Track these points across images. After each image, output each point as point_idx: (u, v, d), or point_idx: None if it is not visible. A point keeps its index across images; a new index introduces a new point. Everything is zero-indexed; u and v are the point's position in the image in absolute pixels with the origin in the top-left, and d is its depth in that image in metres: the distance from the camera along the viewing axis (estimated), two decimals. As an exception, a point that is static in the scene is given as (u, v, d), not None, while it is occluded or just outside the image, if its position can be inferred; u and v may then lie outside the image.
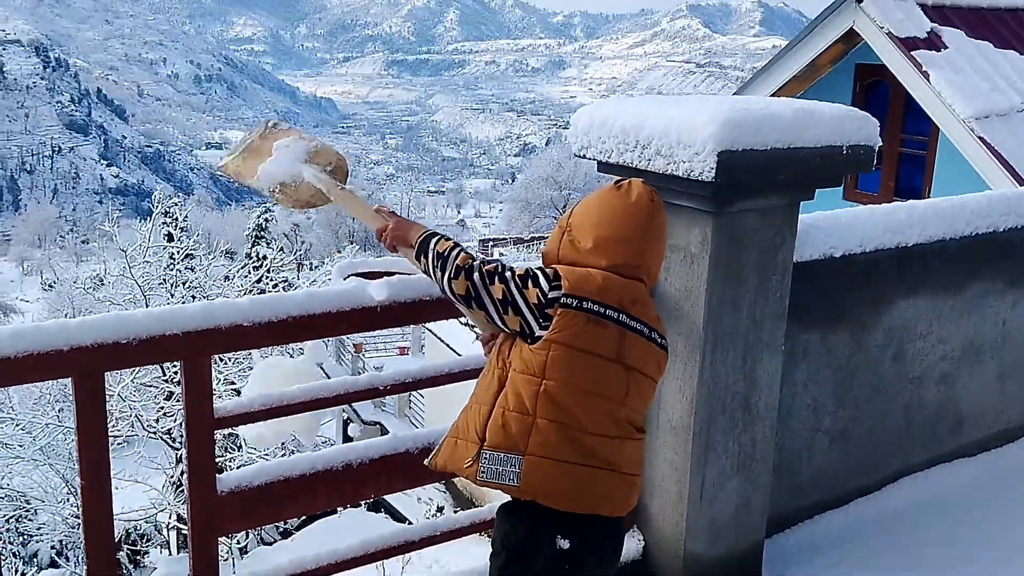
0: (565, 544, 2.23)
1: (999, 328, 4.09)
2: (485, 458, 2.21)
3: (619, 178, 2.41)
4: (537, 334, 2.22)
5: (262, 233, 26.51)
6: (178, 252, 16.71)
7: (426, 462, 2.40)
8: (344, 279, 2.86)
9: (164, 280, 16.05)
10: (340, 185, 2.74)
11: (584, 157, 3.19)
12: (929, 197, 9.91)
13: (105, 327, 2.35)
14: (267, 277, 20.28)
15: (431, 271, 2.40)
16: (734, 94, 11.39)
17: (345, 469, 2.79)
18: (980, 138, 8.55)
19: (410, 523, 15.50)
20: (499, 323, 2.28)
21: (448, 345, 15.83)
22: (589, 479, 2.22)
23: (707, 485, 3.15)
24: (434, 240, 2.42)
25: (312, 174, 2.71)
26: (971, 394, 4.10)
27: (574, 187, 49.81)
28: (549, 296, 2.22)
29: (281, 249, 27.13)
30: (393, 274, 2.74)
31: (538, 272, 2.28)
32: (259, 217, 26.78)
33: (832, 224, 3.54)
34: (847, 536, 3.63)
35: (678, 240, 3.03)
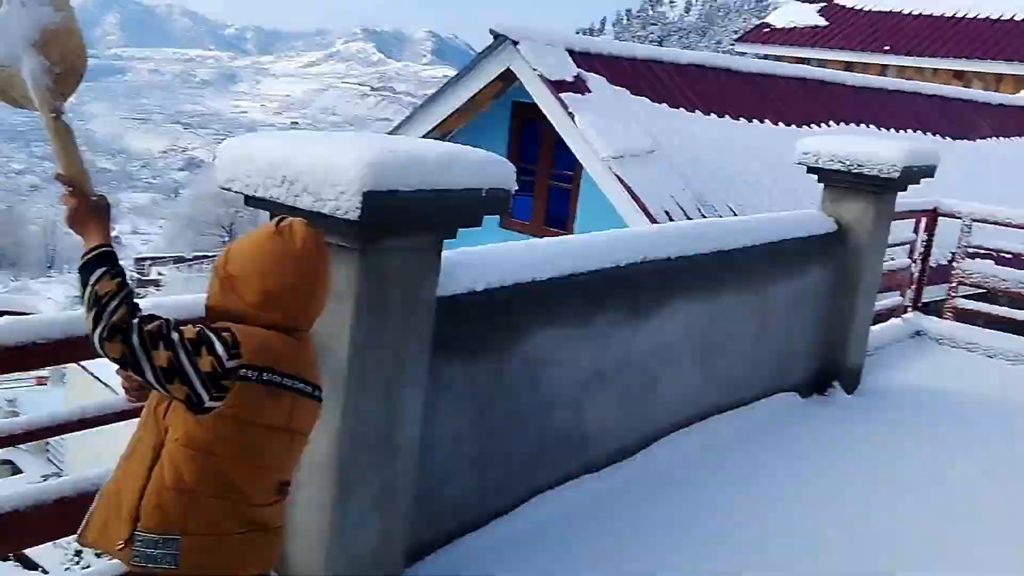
0: None
1: (621, 356, 4.55)
2: (139, 541, 2.05)
3: (278, 217, 2.35)
4: (207, 405, 2.05)
5: None
6: None
7: (76, 538, 2.21)
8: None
9: None
10: (59, 109, 2.22)
11: (230, 190, 3.14)
12: (574, 226, 10.86)
13: None
14: None
15: (85, 309, 2.08)
16: (399, 124, 11.70)
17: None
18: (616, 176, 9.47)
19: (44, 572, 14.13)
20: (160, 390, 2.06)
21: (94, 375, 14.47)
22: (247, 544, 2.16)
23: (348, 521, 3.19)
24: (98, 272, 2.10)
25: (33, 71, 2.15)
26: (595, 417, 4.51)
27: (243, 206, 48.24)
28: (227, 366, 2.05)
29: None
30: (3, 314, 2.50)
31: (212, 337, 2.07)
32: None
33: (476, 260, 3.75)
34: (485, 557, 3.83)
35: (325, 276, 3.06)
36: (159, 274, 32.73)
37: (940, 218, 7.56)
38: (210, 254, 34.54)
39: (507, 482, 4.11)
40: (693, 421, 5.18)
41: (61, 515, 2.71)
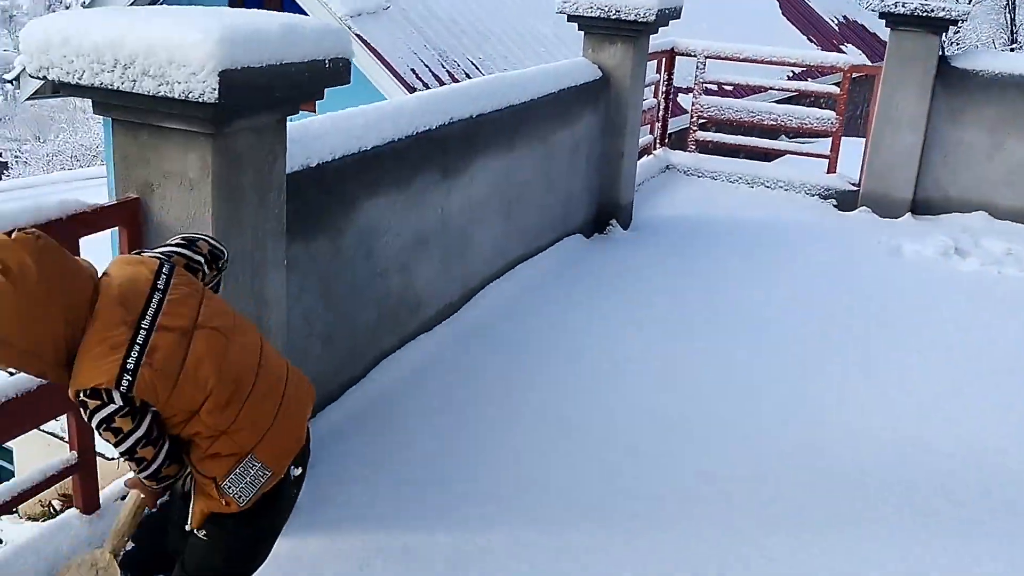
0: (298, 470, 2.34)
1: (439, 216, 4.63)
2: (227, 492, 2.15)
3: None
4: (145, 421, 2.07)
5: None
6: None
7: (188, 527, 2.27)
8: None
9: None
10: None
11: (44, 79, 2.81)
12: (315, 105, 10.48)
13: None
14: None
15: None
16: None
17: None
18: (357, 35, 9.21)
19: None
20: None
21: None
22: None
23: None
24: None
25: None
26: (423, 279, 4.61)
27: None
28: (120, 412, 2.03)
29: None
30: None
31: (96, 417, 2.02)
32: None
33: (303, 135, 3.63)
34: (346, 432, 3.89)
35: (172, 166, 2.88)
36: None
37: (677, 57, 8.11)
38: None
39: (355, 352, 4.15)
40: (503, 272, 5.42)
41: None
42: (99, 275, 2.13)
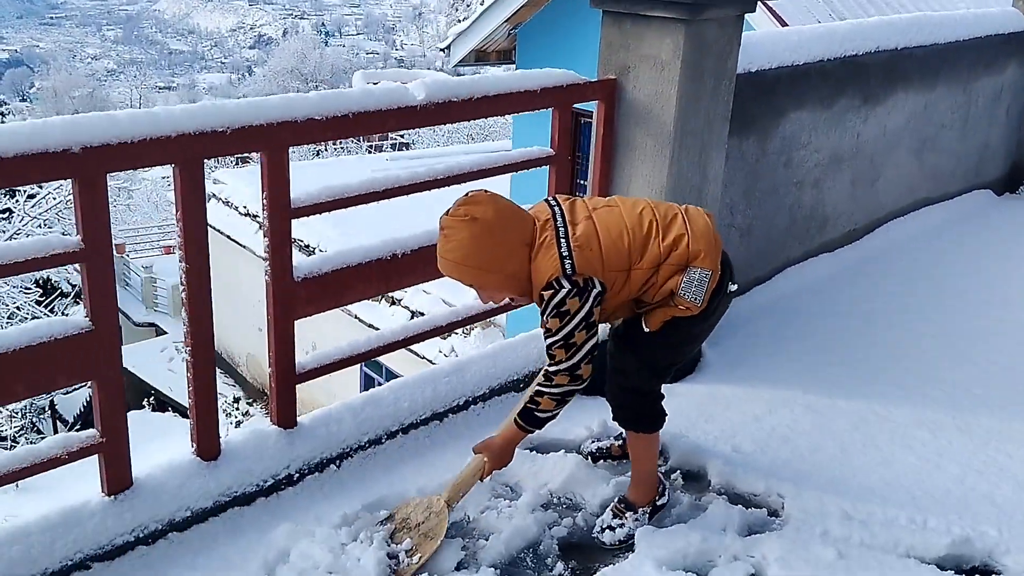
0: (734, 287, 2.68)
1: (855, 140, 4.86)
2: (684, 298, 2.51)
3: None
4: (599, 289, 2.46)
5: None
6: None
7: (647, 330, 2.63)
8: (368, 84, 3.03)
9: None
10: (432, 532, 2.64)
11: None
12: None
13: (207, 115, 2.43)
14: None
15: (554, 414, 2.59)
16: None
17: (391, 259, 3.03)
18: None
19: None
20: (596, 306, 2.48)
21: (232, 239, 14.26)
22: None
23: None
24: (533, 418, 2.59)
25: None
26: (833, 198, 4.87)
27: (321, 79, 48.42)
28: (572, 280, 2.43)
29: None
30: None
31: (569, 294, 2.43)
32: None
33: (746, 42, 4.06)
34: (753, 318, 4.29)
35: (648, 50, 3.42)
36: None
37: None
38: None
39: (765, 253, 4.53)
40: (907, 211, 5.51)
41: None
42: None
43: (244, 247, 14.07)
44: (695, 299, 2.51)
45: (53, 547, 2.37)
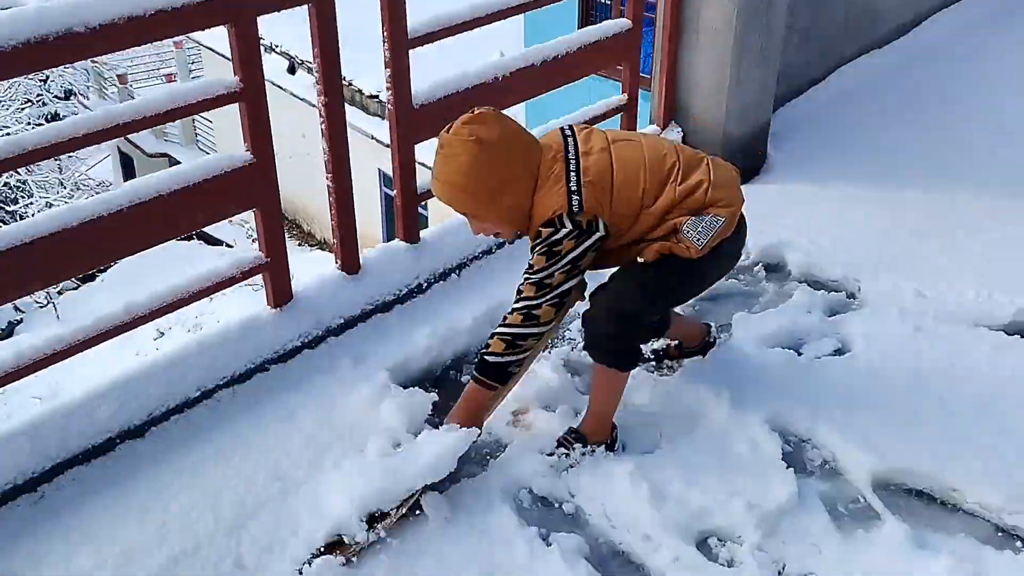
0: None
1: (905, -67, 4.89)
2: (686, 237, 2.30)
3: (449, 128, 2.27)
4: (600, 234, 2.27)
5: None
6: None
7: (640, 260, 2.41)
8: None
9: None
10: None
11: None
12: None
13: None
14: None
15: (506, 362, 2.35)
16: None
17: (494, 81, 3.23)
18: None
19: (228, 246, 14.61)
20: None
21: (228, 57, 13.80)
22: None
23: (740, 76, 3.83)
24: (483, 363, 2.36)
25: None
26: (884, -6, 4.96)
27: None
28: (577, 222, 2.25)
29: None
30: None
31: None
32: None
33: None
34: (813, 116, 4.50)
35: None
36: None
37: None
38: None
39: (822, 53, 4.68)
40: (951, 1, 5.58)
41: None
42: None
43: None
44: (697, 241, 2.30)
45: (239, 353, 2.73)
